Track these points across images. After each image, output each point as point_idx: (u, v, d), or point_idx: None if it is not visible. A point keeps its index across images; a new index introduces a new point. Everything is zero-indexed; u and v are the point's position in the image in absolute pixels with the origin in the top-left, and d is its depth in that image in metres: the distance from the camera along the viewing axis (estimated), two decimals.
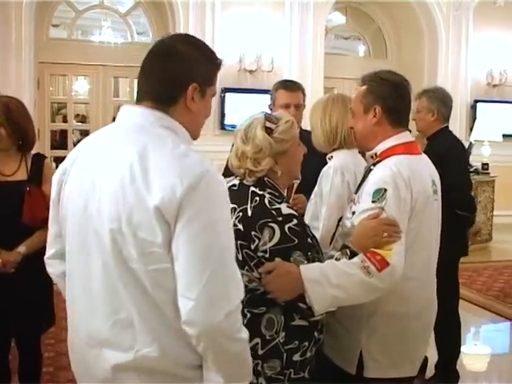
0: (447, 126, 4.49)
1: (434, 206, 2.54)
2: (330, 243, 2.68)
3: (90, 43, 10.20)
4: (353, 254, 2.27)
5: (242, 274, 1.94)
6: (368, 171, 2.55)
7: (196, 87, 1.75)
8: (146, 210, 1.58)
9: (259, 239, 2.15)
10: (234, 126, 8.86)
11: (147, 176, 1.59)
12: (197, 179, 1.57)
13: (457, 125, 10.69)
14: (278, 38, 9.49)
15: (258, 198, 2.23)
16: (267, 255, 2.16)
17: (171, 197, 1.56)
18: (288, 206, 2.26)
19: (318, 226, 2.96)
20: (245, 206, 2.22)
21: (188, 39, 1.84)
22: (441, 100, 4.38)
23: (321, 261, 2.27)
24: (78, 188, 1.76)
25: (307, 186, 3.25)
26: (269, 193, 2.25)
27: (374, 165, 2.53)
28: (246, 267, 2.18)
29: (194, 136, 1.82)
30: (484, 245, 8.98)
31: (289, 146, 2.34)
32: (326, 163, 3.14)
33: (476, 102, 10.92)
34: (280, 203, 2.23)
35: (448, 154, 4.13)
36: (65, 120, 10.65)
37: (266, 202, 2.22)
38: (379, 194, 2.36)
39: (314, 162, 3.51)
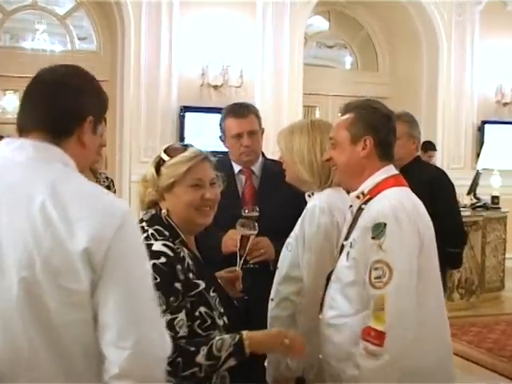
0: (419, 156, 4.86)
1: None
2: (323, 299, 2.75)
3: (20, 50, 10.17)
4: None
5: None
6: (358, 212, 2.67)
7: (91, 121, 1.92)
8: (67, 254, 1.66)
9: None
10: None
11: (66, 216, 1.69)
12: (123, 218, 1.73)
13: (461, 150, 10.87)
14: (249, 46, 9.62)
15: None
16: None
17: (101, 238, 1.67)
18: (166, 245, 2.45)
19: (299, 276, 2.99)
20: None
21: (80, 71, 2.00)
22: (417, 126, 4.67)
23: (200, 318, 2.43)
24: None
25: (269, 225, 3.30)
26: (155, 229, 2.51)
27: (366, 203, 2.66)
28: None
29: (82, 173, 1.95)
30: (495, 294, 9.10)
31: (171, 183, 2.56)
32: (298, 199, 3.20)
33: (484, 123, 11.12)
34: (158, 240, 2.46)
35: (438, 184, 4.44)
36: None
37: (143, 236, 2.44)
38: (378, 229, 2.51)
39: (280, 198, 3.58)
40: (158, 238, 2.47)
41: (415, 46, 11.15)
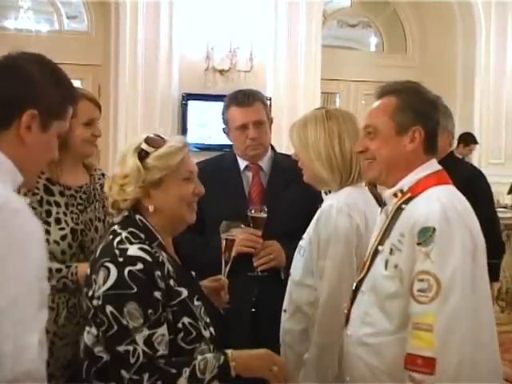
0: (453, 152, 4.82)
1: None
2: (349, 312, 2.71)
3: (2, 30, 10.20)
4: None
5: (88, 332, 2.36)
6: (396, 212, 2.60)
7: (35, 115, 1.91)
8: None
9: (96, 283, 2.39)
10: (199, 146, 8.91)
11: None
12: None
13: (501, 143, 10.82)
14: (259, 25, 9.57)
15: (111, 237, 2.49)
16: (100, 302, 2.35)
17: None
18: (143, 249, 2.42)
19: (314, 285, 2.98)
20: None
21: (42, 60, 2.01)
22: (451, 117, 4.59)
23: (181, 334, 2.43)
24: None
25: (280, 227, 3.29)
26: (129, 232, 2.49)
27: (406, 203, 2.59)
28: (91, 323, 2.40)
29: (27, 176, 1.97)
30: None
31: (163, 176, 2.53)
32: (312, 198, 3.18)
33: None
34: (133, 243, 2.44)
35: (473, 186, 4.31)
36: None
37: (116, 240, 2.46)
38: (426, 235, 2.44)
39: (292, 196, 3.56)
40: (133, 241, 2.45)
41: (449, 26, 11.10)
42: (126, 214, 2.57)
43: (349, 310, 2.73)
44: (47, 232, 3.12)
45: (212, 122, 8.36)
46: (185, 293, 2.46)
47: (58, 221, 3.20)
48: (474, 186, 4.35)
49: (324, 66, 10.03)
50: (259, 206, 3.47)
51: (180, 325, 2.40)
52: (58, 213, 3.20)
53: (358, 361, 2.65)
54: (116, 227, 2.52)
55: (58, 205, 3.22)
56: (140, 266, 2.36)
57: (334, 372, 2.93)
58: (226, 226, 3.05)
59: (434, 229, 2.42)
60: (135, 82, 9.14)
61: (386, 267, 2.56)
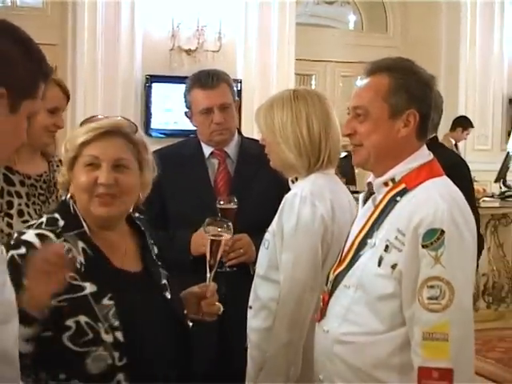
0: (436, 137, 4.75)
1: None
2: (325, 306, 2.69)
3: None
4: None
5: None
6: (390, 203, 2.58)
7: (2, 94, 1.82)
8: None
9: None
10: (164, 131, 8.89)
11: None
12: None
13: (488, 129, 10.87)
14: (229, 1, 9.54)
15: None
16: None
17: None
18: (41, 235, 2.41)
19: (278, 279, 2.98)
20: None
21: (13, 31, 1.92)
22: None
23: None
24: None
25: (249, 218, 3.28)
26: (49, 217, 2.51)
27: (401, 195, 2.57)
28: None
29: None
30: None
31: (71, 159, 2.53)
32: (282, 187, 3.17)
33: None
34: (37, 229, 2.44)
35: (455, 175, 4.32)
36: None
37: (30, 224, 2.53)
38: (433, 237, 2.41)
39: (261, 186, 3.56)
40: (44, 227, 2.45)
41: (432, 3, 11.09)
42: (64, 197, 2.59)
43: (325, 304, 2.70)
44: (9, 225, 3.10)
45: (178, 106, 8.18)
46: (89, 289, 2.39)
47: (20, 213, 3.17)
48: (456, 175, 4.34)
49: (298, 46, 10.03)
50: (228, 196, 3.46)
51: (70, 322, 2.32)
52: (19, 204, 3.18)
53: (335, 359, 2.63)
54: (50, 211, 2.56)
55: (19, 195, 3.22)
56: (23, 250, 2.35)
57: (297, 370, 2.94)
58: (211, 223, 2.89)
59: (443, 231, 2.40)
60: (95, 63, 9.09)
61: (379, 264, 2.52)
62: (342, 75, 11.04)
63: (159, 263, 2.72)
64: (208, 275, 2.80)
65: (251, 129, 4.03)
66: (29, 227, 2.48)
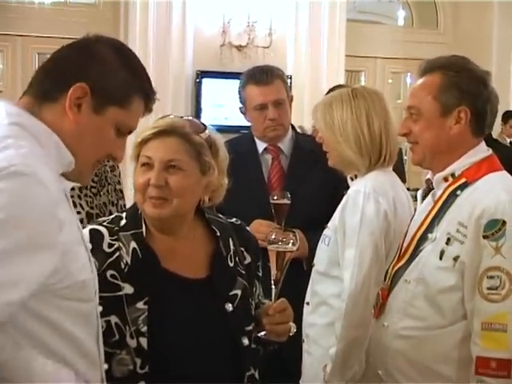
0: (491, 134, 4.75)
1: None
2: (385, 301, 2.71)
3: (3, 3, 10.22)
4: None
5: None
6: (450, 197, 2.59)
7: (85, 90, 1.85)
8: None
9: None
10: (214, 127, 8.89)
11: None
12: None
13: None
14: None
15: None
16: None
17: None
18: (92, 229, 2.43)
19: (340, 276, 2.98)
20: None
21: (117, 44, 2.00)
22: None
23: None
24: None
25: (302, 214, 3.28)
26: (115, 216, 2.58)
27: (461, 189, 2.59)
28: None
29: (80, 166, 1.94)
30: None
31: (135, 157, 2.52)
32: (337, 183, 3.17)
33: None
34: (95, 224, 2.51)
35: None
36: None
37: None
38: (494, 227, 2.43)
39: (315, 181, 3.56)
40: (105, 223, 2.49)
41: None
42: None
43: (384, 300, 2.73)
44: None
45: (228, 102, 8.37)
46: (126, 290, 2.38)
47: (73, 204, 3.20)
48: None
49: (348, 42, 10.01)
50: (281, 191, 3.46)
51: (102, 321, 2.19)
52: (72, 196, 3.20)
53: (395, 354, 2.66)
54: None
55: (71, 187, 3.22)
56: None
57: (362, 367, 2.94)
58: (275, 236, 2.61)
59: (504, 221, 2.42)
60: (146, 59, 9.05)
61: (440, 257, 2.54)
62: (392, 71, 11.01)
63: (242, 272, 2.60)
64: (273, 291, 2.59)
65: (300, 124, 4.03)
66: (95, 221, 2.51)
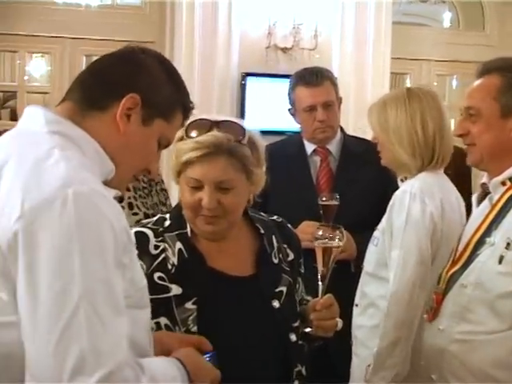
0: None
1: None
2: (432, 311, 2.74)
3: (50, 5, 10.30)
4: None
5: None
6: (509, 201, 2.59)
7: (136, 101, 1.88)
8: None
9: None
10: (259, 130, 8.90)
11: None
12: (47, 199, 1.62)
13: None
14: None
15: None
16: None
17: (6, 225, 1.62)
18: (137, 232, 2.44)
19: (387, 277, 2.98)
20: None
21: (161, 58, 2.05)
22: None
23: None
24: None
25: (351, 216, 3.28)
26: (159, 217, 2.62)
27: None
28: None
29: (120, 175, 1.92)
30: None
31: (178, 170, 2.52)
32: (387, 185, 3.16)
33: None
34: (140, 227, 2.56)
35: None
36: (14, 116, 10.75)
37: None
38: None
39: (364, 183, 3.55)
40: (149, 225, 2.53)
41: None
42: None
43: (438, 303, 2.71)
44: None
45: (273, 104, 8.36)
46: (174, 291, 2.40)
47: (130, 206, 3.21)
48: None
49: (394, 44, 9.95)
50: (330, 192, 3.47)
51: (152, 323, 2.20)
52: (129, 197, 3.21)
53: (451, 358, 2.65)
54: None
55: (127, 188, 3.21)
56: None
57: (405, 369, 2.94)
58: (322, 231, 2.67)
59: None
60: (191, 61, 9.14)
61: (500, 262, 2.53)
62: (438, 74, 10.91)
63: (287, 268, 2.62)
64: (320, 287, 2.65)
65: (345, 126, 4.04)
66: (139, 223, 2.55)
